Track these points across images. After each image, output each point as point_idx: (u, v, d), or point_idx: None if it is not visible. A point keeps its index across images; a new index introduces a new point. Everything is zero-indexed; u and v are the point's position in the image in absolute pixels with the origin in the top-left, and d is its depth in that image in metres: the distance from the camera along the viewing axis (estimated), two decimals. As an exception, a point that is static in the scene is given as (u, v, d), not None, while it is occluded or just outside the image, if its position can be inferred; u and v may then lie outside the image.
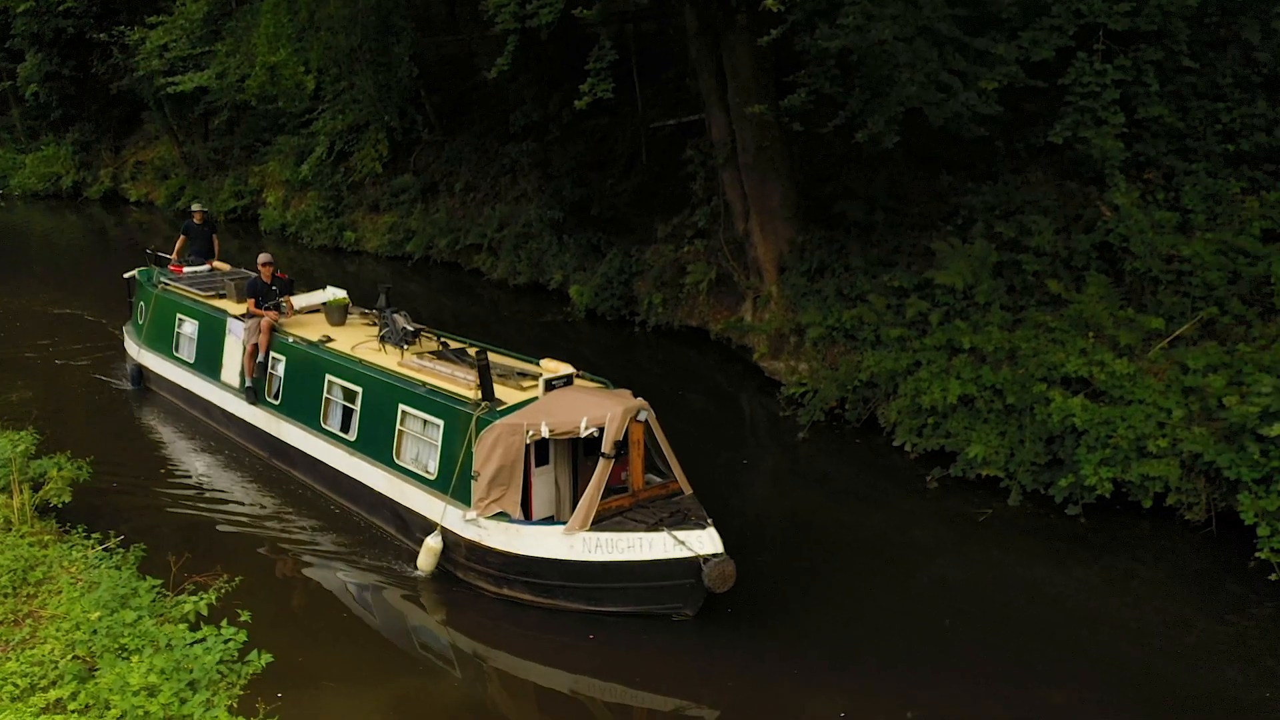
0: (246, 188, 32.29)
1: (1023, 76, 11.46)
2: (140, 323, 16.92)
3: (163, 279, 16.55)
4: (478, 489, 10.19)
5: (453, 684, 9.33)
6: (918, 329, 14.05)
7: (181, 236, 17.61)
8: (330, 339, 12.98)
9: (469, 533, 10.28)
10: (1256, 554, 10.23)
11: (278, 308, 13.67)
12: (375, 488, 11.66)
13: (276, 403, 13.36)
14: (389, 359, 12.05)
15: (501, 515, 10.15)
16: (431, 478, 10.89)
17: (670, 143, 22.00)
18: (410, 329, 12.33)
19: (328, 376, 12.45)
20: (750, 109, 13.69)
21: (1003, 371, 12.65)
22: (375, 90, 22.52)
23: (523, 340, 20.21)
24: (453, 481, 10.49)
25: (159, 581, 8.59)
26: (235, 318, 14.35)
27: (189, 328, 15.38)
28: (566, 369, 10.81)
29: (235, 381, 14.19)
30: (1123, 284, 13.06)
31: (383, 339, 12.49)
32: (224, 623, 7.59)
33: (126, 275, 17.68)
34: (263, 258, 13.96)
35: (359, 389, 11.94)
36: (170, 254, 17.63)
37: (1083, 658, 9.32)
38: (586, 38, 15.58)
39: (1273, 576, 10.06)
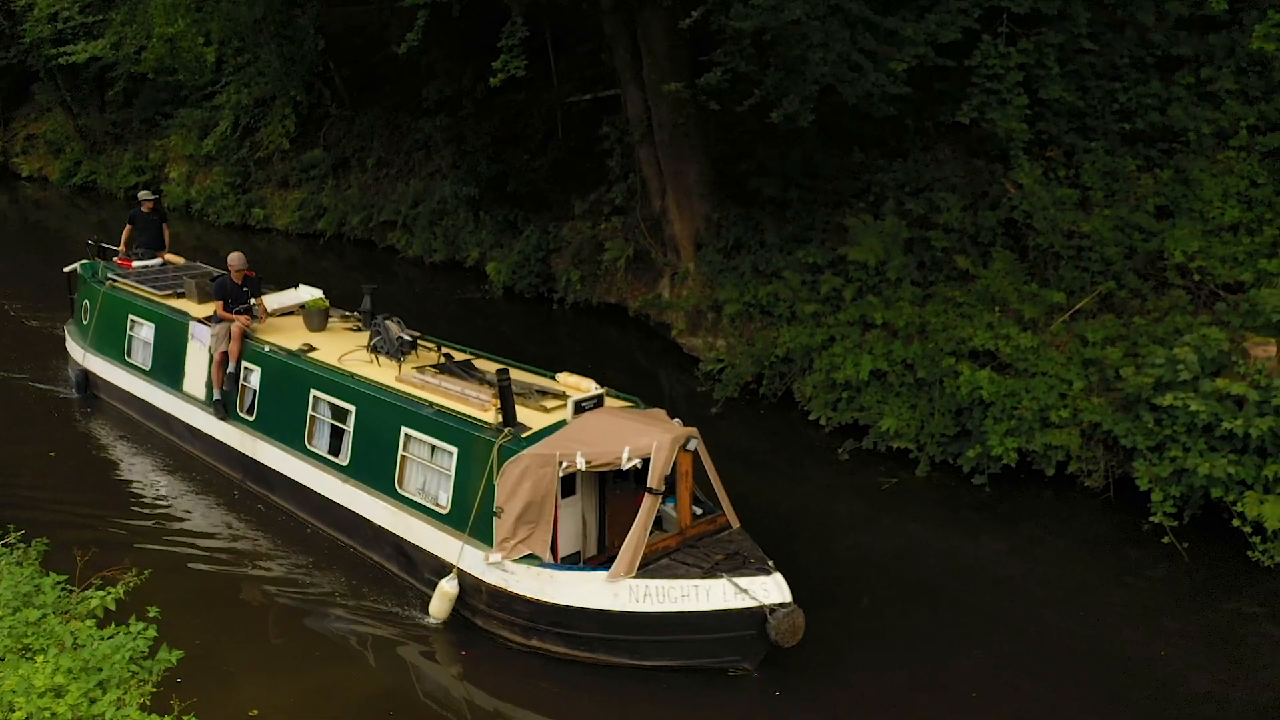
0: (148, 163, 31.15)
1: (932, 56, 11.68)
2: (85, 323, 15.17)
3: (110, 274, 14.91)
4: (501, 528, 8.98)
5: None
6: (832, 305, 14.29)
7: (128, 226, 15.96)
8: (312, 348, 11.60)
9: (491, 577, 9.06)
10: (1150, 518, 10.72)
11: (249, 311, 12.24)
12: (374, 520, 10.31)
13: (251, 419, 11.94)
14: (384, 372, 10.73)
15: (530, 557, 8.96)
16: (444, 512, 9.62)
17: (586, 118, 21.88)
18: (407, 338, 11.03)
19: (313, 392, 11.04)
20: (666, 88, 13.69)
21: (913, 346, 12.96)
22: (280, 64, 21.89)
23: (442, 318, 20.04)
24: (470, 517, 9.25)
25: (63, 577, 8.33)
26: (199, 321, 12.78)
27: (144, 331, 13.79)
28: (592, 386, 9.86)
29: (200, 393, 12.71)
30: (1027, 259, 13.46)
31: (374, 349, 11.14)
32: (133, 619, 7.40)
33: (67, 269, 15.94)
34: (234, 258, 12.38)
35: (351, 407, 10.58)
36: (116, 245, 16.07)
37: (994, 623, 9.68)
38: (499, 11, 15.37)
39: (1165, 539, 10.57)
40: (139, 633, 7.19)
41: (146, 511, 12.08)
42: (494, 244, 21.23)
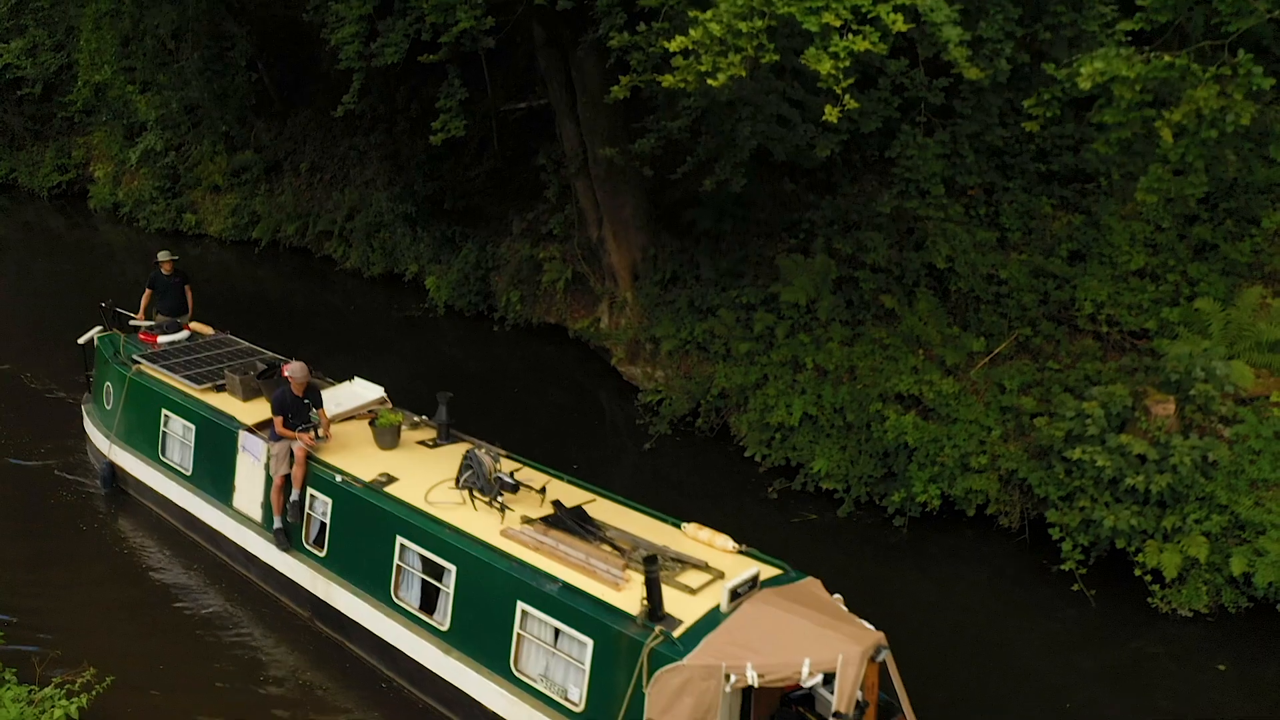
0: (70, 161, 30.38)
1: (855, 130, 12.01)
2: (108, 408, 13.54)
3: (134, 356, 13.30)
4: None
5: None
6: (765, 342, 14.78)
7: (147, 291, 14.52)
8: (391, 477, 10.09)
9: None
10: (1061, 565, 11.49)
11: (313, 429, 10.71)
12: (484, 703, 8.84)
13: (321, 554, 10.44)
14: (484, 522, 9.24)
15: None
16: (576, 709, 8.17)
17: (522, 126, 21.94)
18: (509, 480, 9.45)
19: (400, 539, 9.58)
20: (601, 151, 13.93)
21: (842, 390, 13.52)
22: (211, 100, 21.56)
23: (385, 337, 20.19)
24: None
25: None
26: (250, 431, 11.24)
27: (181, 429, 12.21)
28: (730, 544, 8.74)
29: (255, 514, 11.21)
30: (949, 300, 14.07)
31: (467, 486, 9.63)
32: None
33: (81, 340, 14.22)
34: (295, 368, 10.64)
35: (451, 567, 9.11)
36: (133, 311, 14.59)
37: (921, 653, 10.36)
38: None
39: (1075, 587, 11.34)
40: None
41: (198, 645, 10.75)
42: (432, 258, 21.32)
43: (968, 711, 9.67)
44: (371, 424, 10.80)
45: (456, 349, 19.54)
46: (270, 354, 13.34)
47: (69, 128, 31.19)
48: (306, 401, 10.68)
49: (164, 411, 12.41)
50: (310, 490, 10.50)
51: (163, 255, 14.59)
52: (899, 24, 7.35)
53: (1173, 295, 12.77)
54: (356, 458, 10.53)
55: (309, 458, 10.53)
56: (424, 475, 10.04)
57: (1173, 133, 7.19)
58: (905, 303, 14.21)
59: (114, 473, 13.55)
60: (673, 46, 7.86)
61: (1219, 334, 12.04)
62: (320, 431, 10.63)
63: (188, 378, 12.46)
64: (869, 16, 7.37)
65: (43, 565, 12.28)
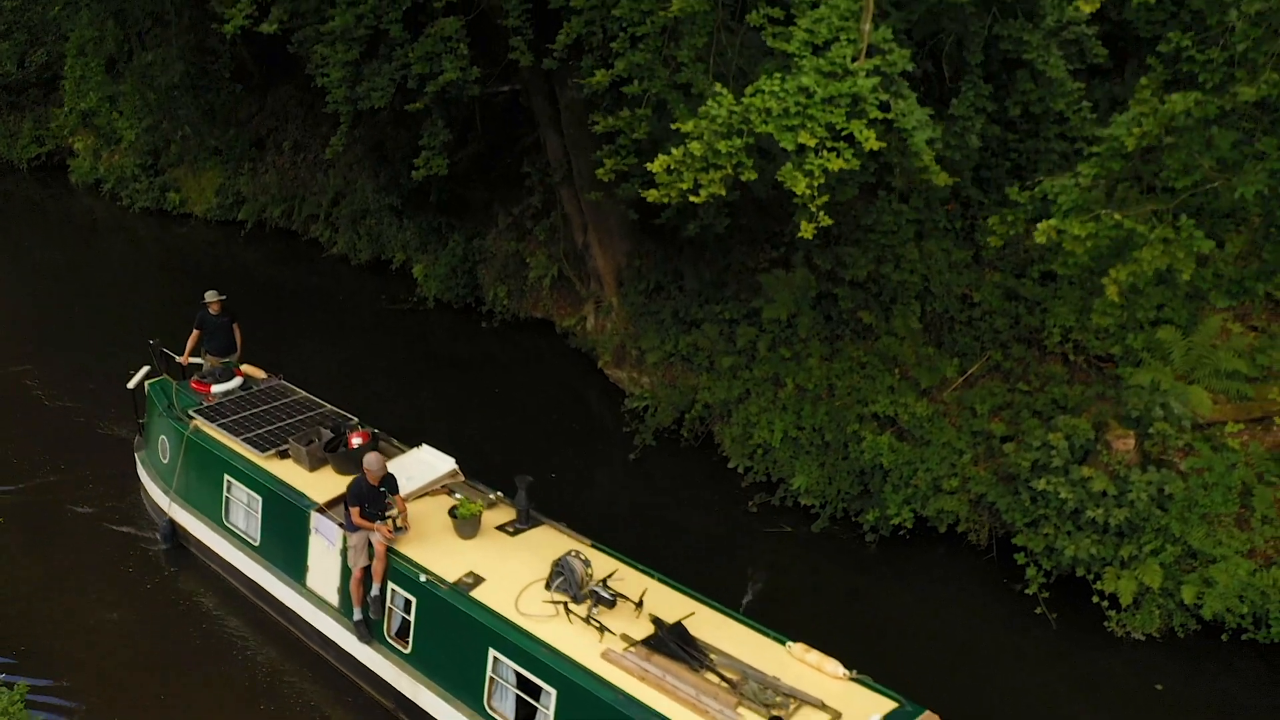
0: (49, 132, 30.07)
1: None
2: (164, 461, 13.18)
3: (189, 409, 12.93)
4: None
5: None
6: (747, 355, 15.27)
7: (195, 331, 14.00)
8: (478, 578, 9.70)
9: None
10: (1026, 589, 12.23)
11: (392, 521, 10.23)
12: None
13: (405, 650, 10.08)
14: (581, 640, 8.83)
15: None
16: None
17: (504, 109, 21.97)
18: (606, 596, 9.04)
19: (493, 651, 9.16)
20: (586, 196, 14.16)
21: (821, 410, 14.08)
22: (199, 114, 21.46)
23: (375, 329, 20.56)
24: None
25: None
26: (323, 513, 10.85)
27: (246, 498, 11.85)
28: (839, 669, 8.44)
29: (332, 597, 10.89)
30: (925, 317, 14.55)
31: (560, 590, 9.31)
32: None
33: (131, 385, 13.65)
34: (371, 460, 10.18)
35: (551, 690, 8.66)
36: (174, 351, 14.15)
37: (885, 664, 11.12)
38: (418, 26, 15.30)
39: (1038, 610, 12.10)
40: None
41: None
42: (419, 246, 21.55)
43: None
44: (452, 515, 10.42)
45: (445, 344, 19.93)
46: (329, 407, 12.98)
47: (44, 97, 30.77)
48: (383, 490, 10.26)
49: (226, 477, 12.06)
50: (392, 585, 10.15)
51: (210, 295, 14.05)
52: (871, 141, 7.69)
53: (1136, 323, 13.28)
54: (437, 549, 10.16)
55: (389, 550, 10.18)
56: (511, 574, 9.69)
57: (1119, 290, 7.65)
58: (883, 318, 14.69)
59: (175, 530, 13.21)
60: (655, 167, 8.18)
61: (1180, 361, 12.60)
62: (399, 522, 10.24)
63: (249, 441, 12.03)
64: (843, 134, 7.71)
65: (105, 626, 12.05)
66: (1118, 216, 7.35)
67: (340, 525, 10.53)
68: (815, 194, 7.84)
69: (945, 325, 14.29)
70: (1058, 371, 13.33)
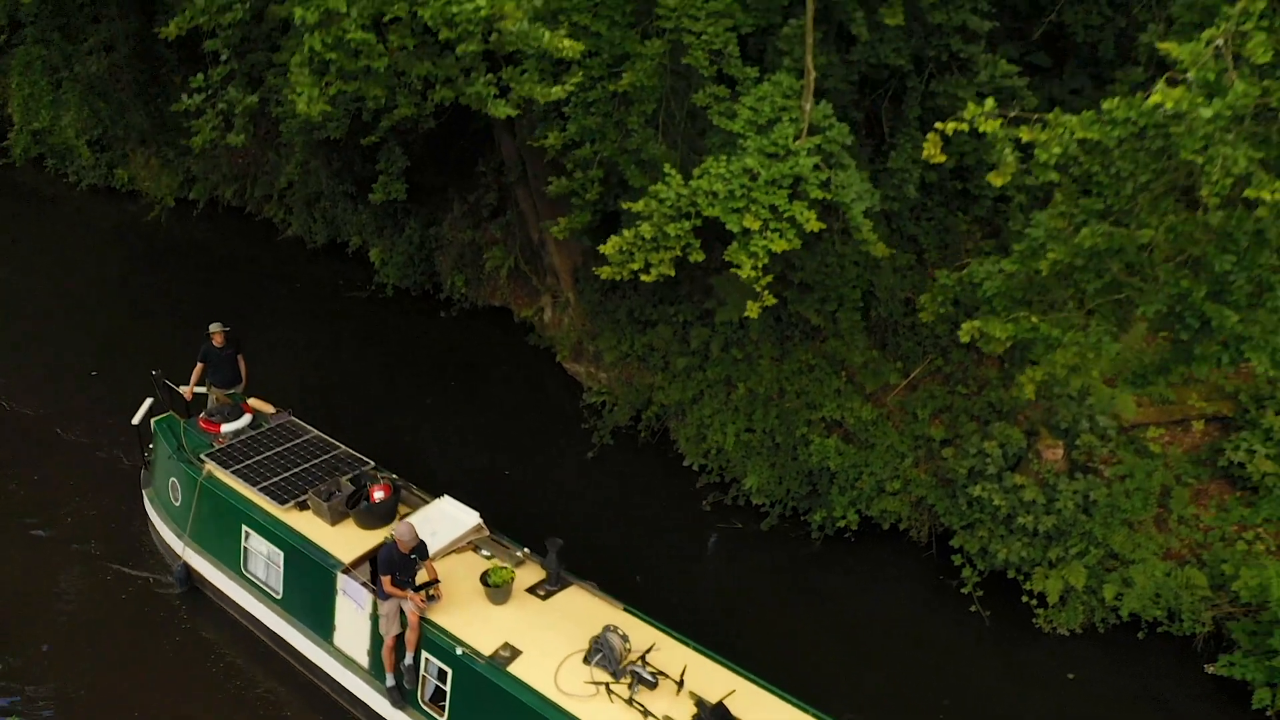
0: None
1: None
2: (176, 504, 12.89)
3: (201, 454, 12.62)
4: None
5: None
6: (701, 356, 15.80)
7: (199, 364, 13.77)
8: (515, 650, 9.65)
9: None
10: (962, 589, 13.11)
11: (425, 592, 10.16)
12: None
13: (441, 718, 10.05)
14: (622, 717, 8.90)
15: None
16: None
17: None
18: (647, 677, 9.01)
19: None
20: (542, 224, 14.33)
21: (772, 413, 14.70)
22: (150, 123, 21.11)
23: (334, 318, 20.71)
24: None
25: None
26: (350, 575, 10.72)
27: (265, 549, 11.67)
28: None
29: (361, 658, 10.84)
30: (869, 321, 15.13)
31: (600, 665, 9.33)
32: None
33: (135, 421, 13.33)
34: (403, 530, 10.04)
35: None
36: (174, 381, 13.81)
37: (824, 655, 12.16)
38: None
39: (973, 608, 12.99)
40: None
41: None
42: (375, 230, 21.58)
43: (864, 705, 11.52)
44: (485, 582, 10.34)
45: (403, 334, 20.17)
46: (344, 449, 12.79)
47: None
48: (414, 557, 10.15)
49: (245, 528, 11.90)
50: (426, 653, 10.11)
51: (214, 327, 13.82)
52: (812, 223, 8.14)
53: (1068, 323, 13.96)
54: (469, 616, 10.12)
55: (421, 618, 10.12)
56: (547, 646, 9.68)
57: (1034, 388, 8.26)
58: (830, 320, 15.24)
59: (189, 573, 12.94)
60: (607, 249, 8.56)
61: (1108, 365, 13.34)
62: (432, 592, 10.17)
63: (267, 492, 11.82)
64: (785, 215, 8.14)
65: (128, 678, 11.89)
66: (1035, 319, 7.92)
67: (366, 586, 10.50)
68: (760, 274, 8.30)
69: (889, 329, 14.89)
70: (994, 375, 14.03)
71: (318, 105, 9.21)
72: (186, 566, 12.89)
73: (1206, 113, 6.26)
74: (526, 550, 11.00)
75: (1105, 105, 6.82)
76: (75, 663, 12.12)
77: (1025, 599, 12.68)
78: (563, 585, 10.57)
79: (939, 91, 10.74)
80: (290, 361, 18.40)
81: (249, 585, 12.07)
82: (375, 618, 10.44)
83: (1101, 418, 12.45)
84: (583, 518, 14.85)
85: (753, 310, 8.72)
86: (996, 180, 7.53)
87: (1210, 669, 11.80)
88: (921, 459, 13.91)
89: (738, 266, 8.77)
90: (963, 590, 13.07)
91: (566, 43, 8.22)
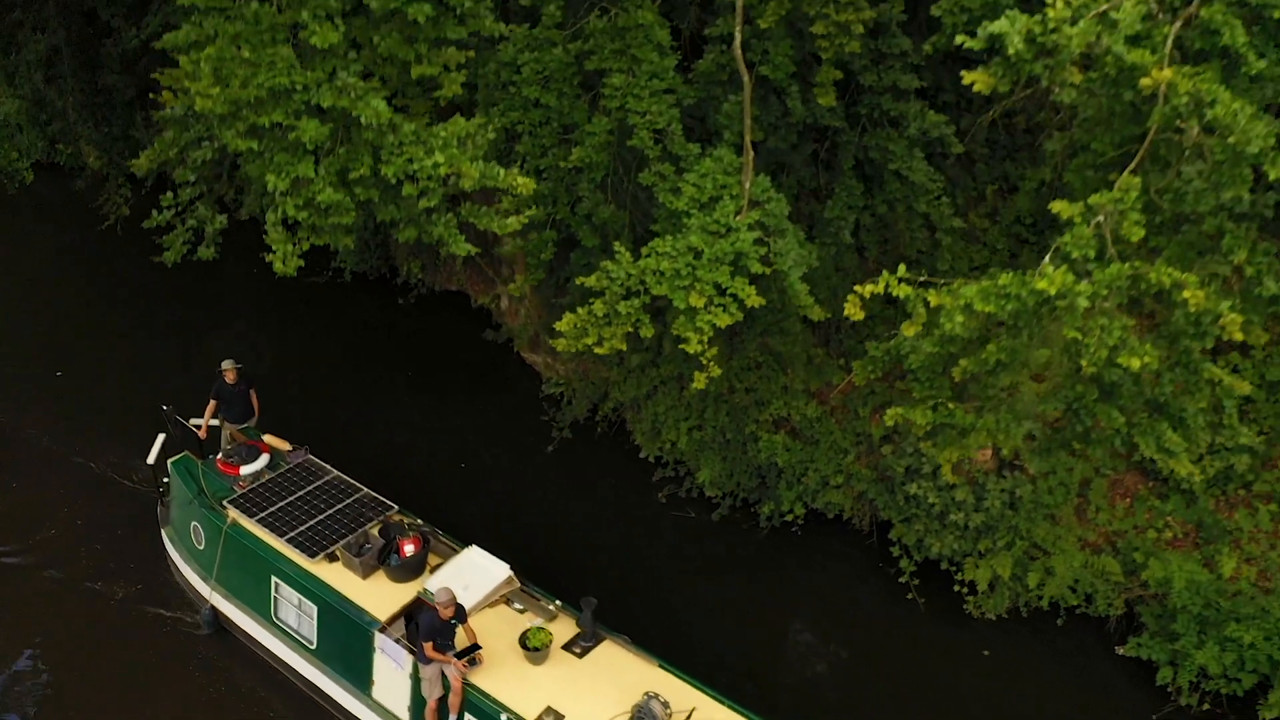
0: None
1: None
2: (200, 547, 12.89)
3: (223, 500, 12.62)
4: None
5: None
6: (654, 350, 16.44)
7: (212, 401, 13.81)
8: (558, 716, 9.96)
9: None
10: (900, 578, 14.16)
11: (467, 660, 10.39)
12: None
13: None
14: None
15: None
16: None
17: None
18: None
19: None
20: (499, 291, 14.59)
21: (722, 412, 15.47)
22: (96, 131, 20.74)
23: (296, 303, 20.90)
24: None
25: None
26: (387, 633, 10.97)
27: (297, 600, 11.76)
28: None
29: (401, 713, 11.05)
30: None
31: None
32: None
33: (151, 460, 13.48)
34: (443, 595, 10.36)
35: None
36: (187, 417, 13.89)
37: (764, 640, 13.16)
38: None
39: (910, 595, 14.06)
40: None
41: None
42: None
43: (807, 684, 12.66)
44: (524, 645, 10.64)
45: (360, 323, 20.37)
46: (366, 492, 12.87)
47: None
48: (454, 623, 10.46)
49: (275, 579, 11.97)
50: (469, 716, 10.40)
51: (226, 365, 13.87)
52: (753, 299, 8.74)
53: (996, 328, 14.78)
54: (509, 677, 10.39)
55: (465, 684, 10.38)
56: (588, 708, 9.96)
57: (950, 467, 9.06)
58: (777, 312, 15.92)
59: (217, 616, 13.02)
60: (562, 326, 9.09)
61: (1018, 438, 14.19)
62: (474, 656, 10.45)
63: (294, 543, 11.90)
64: (728, 291, 8.73)
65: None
66: (951, 406, 8.67)
67: (404, 645, 10.83)
68: (705, 347, 8.93)
69: (832, 327, 15.62)
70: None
71: (293, 262, 9.65)
72: (214, 609, 12.99)
73: (1084, 302, 7.16)
74: (558, 603, 11.33)
75: (1001, 280, 7.66)
76: (109, 699, 12.39)
77: (957, 587, 13.75)
78: (597, 640, 10.86)
79: (871, 144, 11.26)
80: (258, 352, 18.64)
81: (281, 633, 12.21)
82: (416, 679, 10.70)
83: (1027, 422, 13.34)
84: (541, 510, 15.63)
85: (700, 382, 9.38)
86: (909, 330, 8.29)
87: (1120, 650, 13.00)
88: (863, 453, 14.81)
89: (685, 341, 9.41)
90: (900, 579, 14.12)
91: (521, 180, 8.73)
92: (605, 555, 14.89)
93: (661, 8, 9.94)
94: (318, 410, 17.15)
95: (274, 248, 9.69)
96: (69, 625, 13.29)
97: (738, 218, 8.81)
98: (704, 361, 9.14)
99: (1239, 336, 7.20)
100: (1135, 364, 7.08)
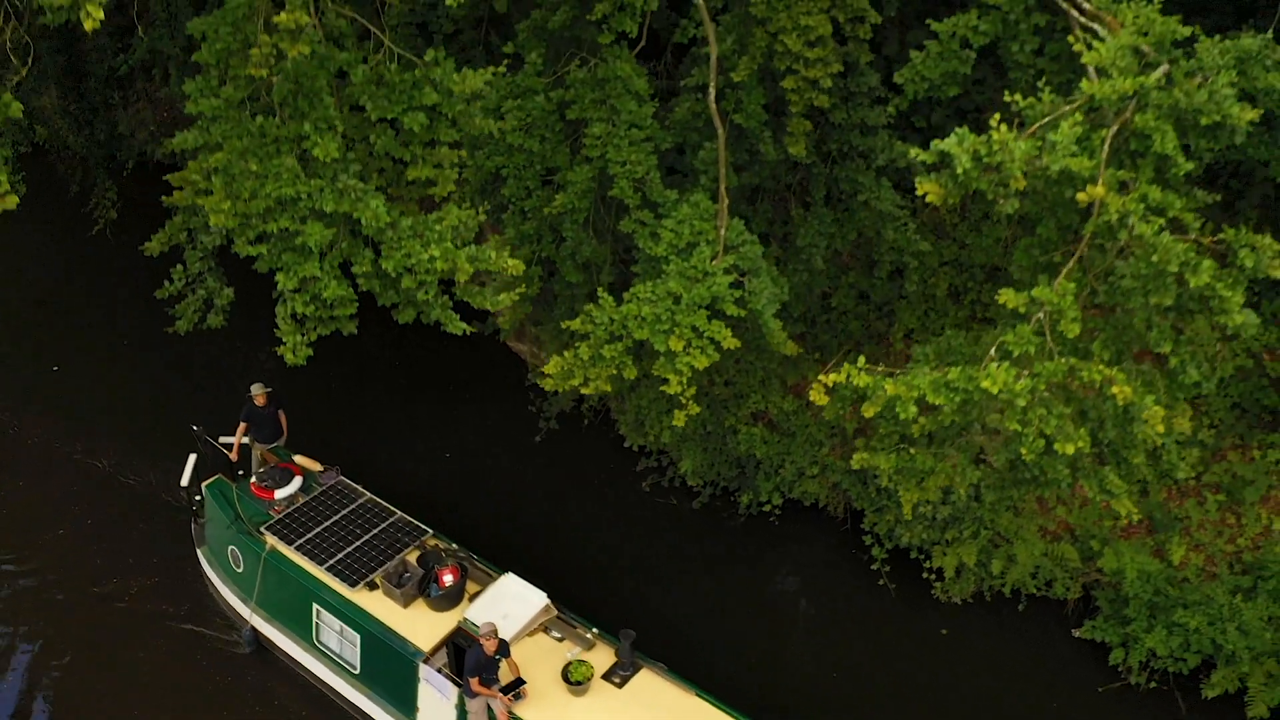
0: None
1: None
2: (239, 570, 13.27)
3: (260, 526, 12.94)
4: None
5: None
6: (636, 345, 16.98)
7: (242, 424, 14.03)
8: None
9: None
10: (872, 565, 14.96)
11: (513, 695, 10.76)
12: None
13: None
14: None
15: None
16: None
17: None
18: None
19: None
20: (485, 326, 15.10)
21: (702, 405, 16.03)
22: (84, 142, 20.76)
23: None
24: None
25: None
26: (431, 665, 11.36)
27: (339, 626, 12.12)
28: None
29: None
30: (789, 313, 16.33)
31: None
32: None
33: (184, 483, 13.82)
34: (487, 629, 10.75)
35: None
36: (219, 435, 14.20)
37: (744, 625, 14.02)
38: None
39: (881, 582, 14.88)
40: None
41: None
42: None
43: (780, 665, 13.57)
44: (566, 679, 11.06)
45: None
46: (400, 515, 13.23)
47: None
48: (498, 658, 10.78)
49: (316, 606, 12.33)
50: None
51: (256, 389, 14.07)
52: (729, 340, 9.27)
53: (966, 322, 15.40)
54: (551, 708, 10.71)
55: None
56: None
57: (911, 507, 9.70)
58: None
59: (258, 636, 13.46)
60: (550, 369, 9.60)
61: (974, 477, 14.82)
62: (519, 691, 10.85)
63: (334, 571, 12.21)
64: (706, 335, 9.26)
65: None
66: (913, 451, 9.28)
67: (448, 676, 11.25)
68: (685, 387, 9.48)
69: (808, 322, 16.18)
70: (900, 370, 15.47)
71: (303, 352, 10.11)
72: (254, 630, 13.43)
73: (1022, 401, 7.88)
74: (595, 630, 11.70)
75: (951, 375, 8.31)
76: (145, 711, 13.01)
77: (926, 574, 14.57)
78: (635, 669, 11.29)
79: (841, 176, 11.70)
80: (241, 355, 19.05)
81: (323, 657, 12.58)
82: (461, 709, 11.11)
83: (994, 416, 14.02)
84: (533, 502, 16.32)
85: (679, 420, 9.95)
86: (868, 411, 8.93)
87: (1077, 633, 13.89)
88: (838, 445, 15.49)
89: (666, 382, 9.97)
90: (873, 566, 14.91)
91: (511, 262, 9.25)
92: (594, 544, 15.63)
93: (640, 56, 10.32)
94: (300, 409, 17.54)
95: (284, 339, 10.20)
96: (107, 634, 13.94)
97: (714, 262, 9.30)
98: (683, 401, 9.71)
99: (1161, 428, 7.96)
100: (1070, 450, 7.81)
